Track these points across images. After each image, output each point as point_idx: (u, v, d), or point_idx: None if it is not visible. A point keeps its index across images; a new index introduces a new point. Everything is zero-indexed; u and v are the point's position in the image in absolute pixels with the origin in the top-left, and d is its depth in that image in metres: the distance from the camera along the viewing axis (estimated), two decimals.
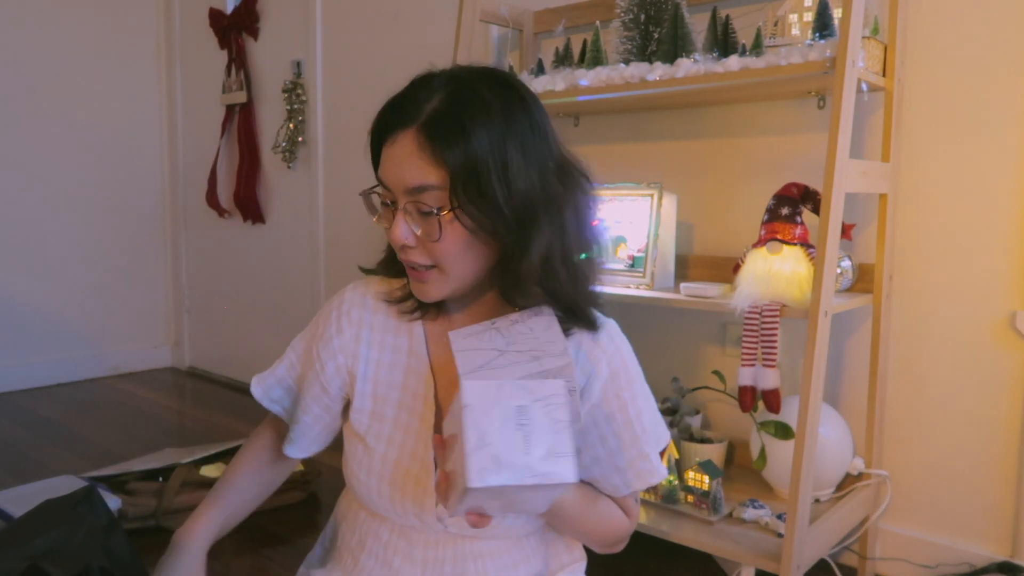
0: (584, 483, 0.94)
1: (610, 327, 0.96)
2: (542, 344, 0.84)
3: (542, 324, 0.86)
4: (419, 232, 0.86)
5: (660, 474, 0.96)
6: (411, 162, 0.84)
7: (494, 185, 0.83)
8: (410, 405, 0.95)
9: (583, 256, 0.91)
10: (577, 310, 0.91)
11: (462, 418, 0.72)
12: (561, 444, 0.72)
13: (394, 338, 0.98)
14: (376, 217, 0.92)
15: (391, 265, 0.99)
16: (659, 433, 0.98)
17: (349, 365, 0.99)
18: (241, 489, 1.06)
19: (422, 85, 0.87)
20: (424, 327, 0.98)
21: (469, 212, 0.84)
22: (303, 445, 1.05)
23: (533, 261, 0.85)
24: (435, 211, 0.84)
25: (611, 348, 0.94)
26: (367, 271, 1.03)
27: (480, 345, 0.83)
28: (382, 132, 0.88)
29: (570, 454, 0.71)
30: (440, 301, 0.94)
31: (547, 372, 0.81)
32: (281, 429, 1.09)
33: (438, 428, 0.93)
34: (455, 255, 0.87)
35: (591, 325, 0.93)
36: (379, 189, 0.90)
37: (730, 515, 1.66)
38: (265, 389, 1.07)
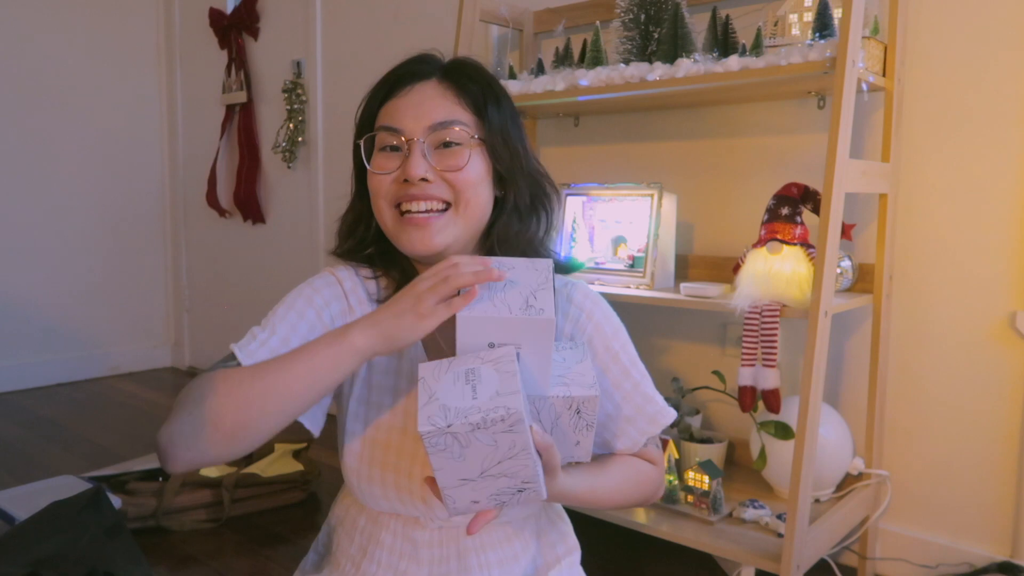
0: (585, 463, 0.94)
1: (582, 285, 0.99)
2: (572, 367, 0.86)
3: (575, 356, 0.87)
4: (438, 166, 0.89)
5: (670, 413, 0.98)
6: (436, 101, 0.90)
7: (510, 131, 0.92)
8: (407, 389, 0.95)
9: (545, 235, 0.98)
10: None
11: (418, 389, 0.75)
12: (508, 386, 0.73)
13: None
14: (370, 164, 0.92)
15: (359, 251, 0.98)
16: (649, 377, 1.00)
17: None
18: None
19: (426, 53, 0.94)
20: None
21: (493, 146, 0.91)
22: (315, 417, 0.95)
23: (519, 210, 0.93)
24: (464, 141, 0.89)
25: (588, 303, 0.96)
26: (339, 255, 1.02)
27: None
28: (392, 88, 0.92)
29: (518, 392, 0.72)
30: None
31: (571, 399, 0.82)
32: None
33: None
34: (475, 186, 0.90)
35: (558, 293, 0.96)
36: (383, 134, 0.91)
37: (730, 515, 1.66)
38: (252, 357, 0.95)
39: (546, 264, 0.84)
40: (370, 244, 0.98)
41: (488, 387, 0.74)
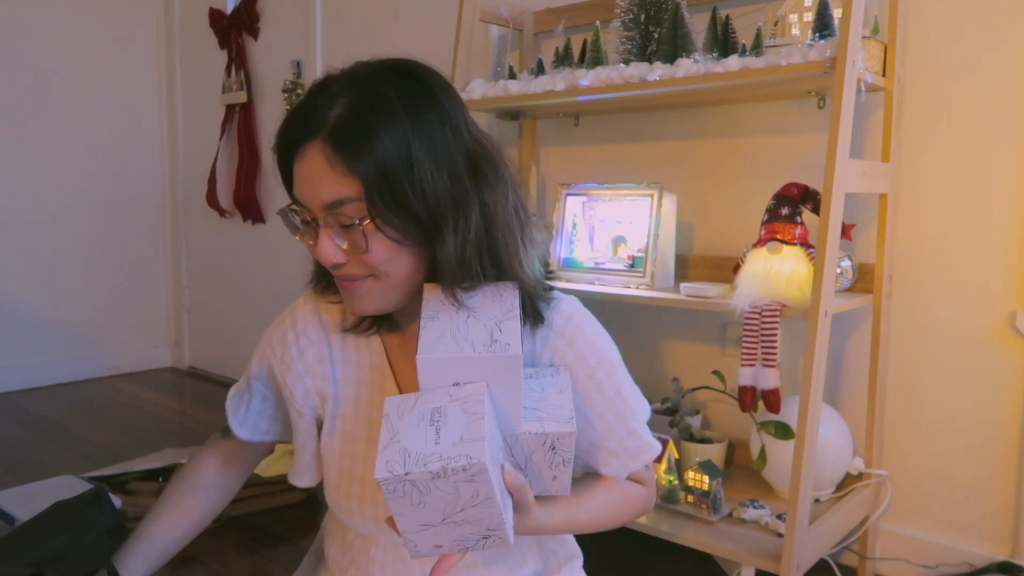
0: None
1: (565, 307, 0.90)
2: (550, 398, 0.82)
3: (555, 386, 0.83)
4: (345, 246, 0.81)
5: (654, 448, 0.93)
6: (323, 177, 0.79)
7: (406, 191, 0.78)
8: (380, 422, 0.89)
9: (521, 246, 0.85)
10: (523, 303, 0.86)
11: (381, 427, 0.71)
12: (473, 432, 0.69)
13: (355, 354, 0.94)
14: (298, 235, 0.86)
15: (321, 279, 0.94)
16: (643, 407, 0.94)
17: (318, 387, 0.94)
18: (174, 526, 1.00)
19: (322, 91, 0.81)
20: (382, 339, 0.94)
21: (388, 220, 0.79)
22: (309, 476, 0.99)
23: (452, 262, 0.80)
24: (357, 222, 0.79)
25: (570, 330, 0.88)
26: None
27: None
28: (288, 148, 0.82)
29: (482, 439, 0.68)
30: (386, 315, 0.90)
31: (545, 435, 0.78)
32: (229, 452, 1.04)
33: None
34: (388, 261, 0.81)
35: (537, 316, 0.87)
36: (296, 207, 0.84)
37: (730, 515, 1.66)
38: (251, 428, 0.99)
39: (511, 290, 0.78)
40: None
41: (453, 430, 0.70)
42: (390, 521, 0.73)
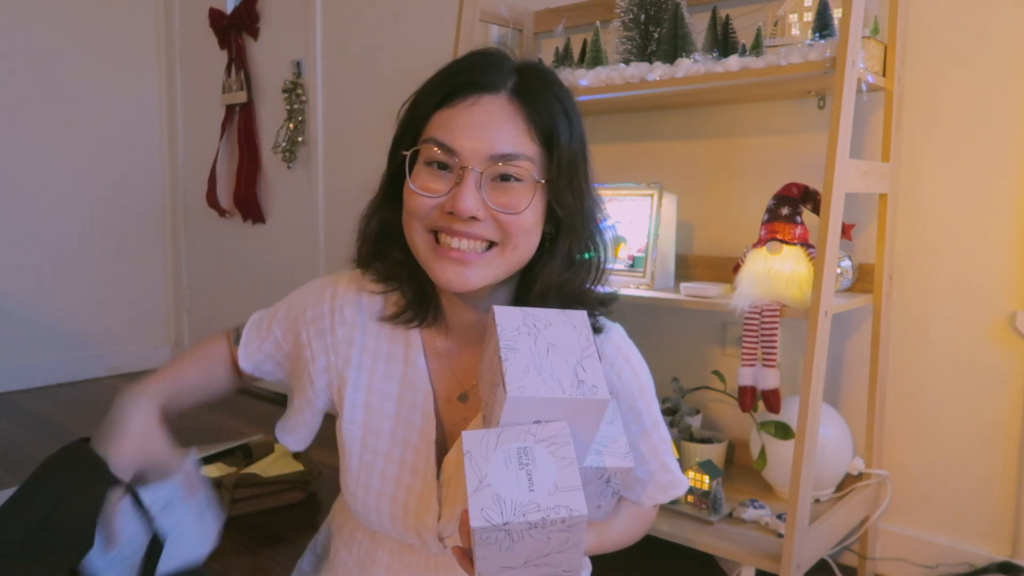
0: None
1: (615, 336, 0.90)
2: (605, 431, 0.80)
3: (607, 416, 0.82)
4: (491, 203, 0.78)
5: (683, 484, 0.92)
6: (503, 126, 0.78)
7: (579, 178, 0.81)
8: (408, 418, 0.89)
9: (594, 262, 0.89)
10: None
11: (464, 466, 0.69)
12: (567, 479, 0.68)
13: (389, 346, 0.91)
14: (415, 181, 0.80)
15: (374, 259, 0.90)
16: (671, 442, 0.95)
17: (340, 367, 0.92)
18: (191, 377, 0.99)
19: (496, 54, 0.82)
20: (421, 334, 0.91)
21: (557, 192, 0.80)
22: (298, 436, 0.99)
23: (554, 274, 0.83)
24: (529, 179, 0.78)
25: (619, 359, 0.89)
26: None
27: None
28: (451, 93, 0.79)
29: (578, 488, 0.68)
30: (438, 309, 0.88)
31: (604, 469, 0.77)
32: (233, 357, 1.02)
33: (439, 443, 0.89)
34: (528, 231, 0.80)
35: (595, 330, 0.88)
36: (434, 149, 0.79)
37: (730, 515, 1.66)
38: (255, 364, 0.99)
39: (583, 320, 0.76)
40: (393, 256, 0.89)
41: (545, 476, 0.68)
42: (458, 551, 0.72)
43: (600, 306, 0.90)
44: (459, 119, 0.78)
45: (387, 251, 0.89)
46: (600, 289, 0.90)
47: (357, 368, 0.92)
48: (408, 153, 0.81)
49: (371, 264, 0.91)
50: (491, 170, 0.78)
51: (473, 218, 0.78)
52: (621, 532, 0.90)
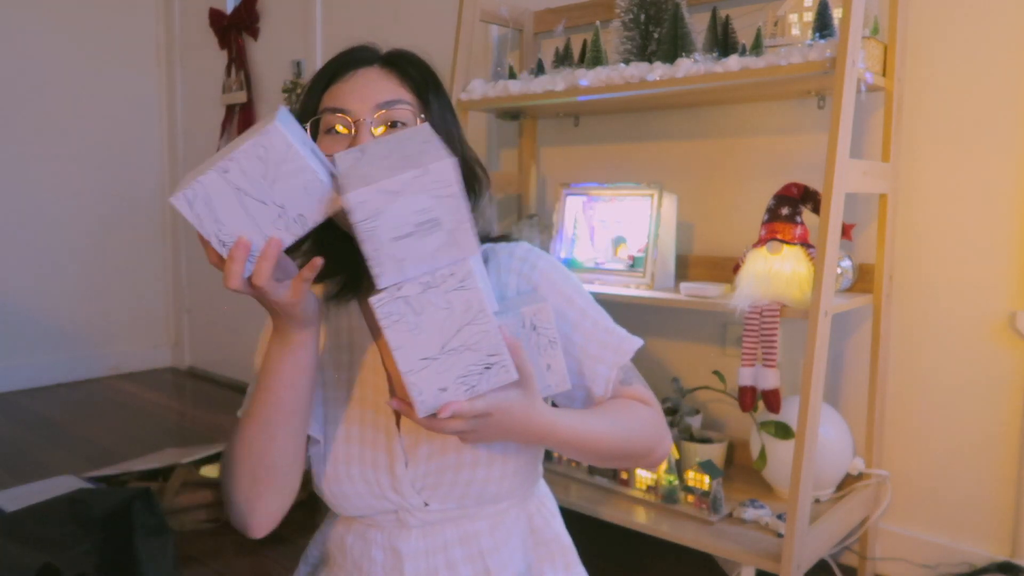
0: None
1: (522, 243, 0.98)
2: (520, 298, 0.85)
3: (525, 297, 0.87)
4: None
5: (635, 340, 0.96)
6: (380, 83, 0.90)
7: (448, 117, 0.94)
8: (361, 379, 0.93)
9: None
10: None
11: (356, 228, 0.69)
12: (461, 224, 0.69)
13: (335, 321, 0.97)
14: (320, 147, 0.88)
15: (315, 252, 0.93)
16: (606, 313, 0.98)
17: None
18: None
19: (365, 44, 0.95)
20: (359, 301, 0.96)
21: (435, 122, 0.90)
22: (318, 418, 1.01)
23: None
24: (411, 119, 0.89)
25: (532, 255, 0.95)
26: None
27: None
28: (334, 74, 0.92)
29: (466, 256, 0.70)
30: (362, 282, 0.93)
31: (522, 315, 0.79)
32: None
33: (391, 394, 0.91)
34: None
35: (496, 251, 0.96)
36: (328, 116, 0.90)
37: (730, 515, 1.66)
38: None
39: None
40: (322, 237, 0.92)
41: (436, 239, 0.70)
42: (397, 400, 0.76)
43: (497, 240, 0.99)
44: (344, 88, 0.91)
45: (317, 236, 0.92)
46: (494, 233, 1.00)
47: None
48: (308, 125, 0.91)
49: (298, 250, 0.94)
50: (379, 117, 0.89)
51: None
52: (610, 424, 0.89)
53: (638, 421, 0.92)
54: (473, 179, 0.96)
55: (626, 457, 0.93)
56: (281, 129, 0.70)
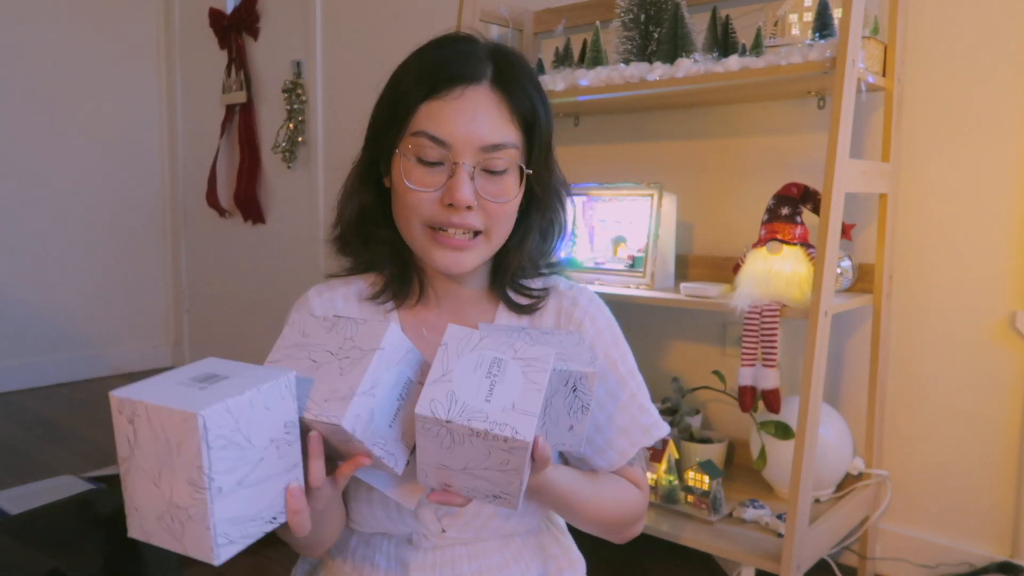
0: (577, 468, 0.92)
1: (587, 290, 0.96)
2: (569, 349, 0.80)
3: (572, 340, 0.82)
4: (482, 193, 0.83)
5: (664, 426, 0.94)
6: (489, 116, 0.82)
7: (553, 161, 0.89)
8: None
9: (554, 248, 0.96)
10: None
11: (436, 355, 0.69)
12: (528, 403, 0.66)
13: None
14: (410, 178, 0.84)
15: (358, 244, 0.94)
16: (646, 388, 0.97)
17: None
18: None
19: (469, 41, 0.86)
20: (399, 317, 0.94)
21: (539, 177, 0.87)
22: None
23: (524, 254, 0.90)
24: (514, 168, 0.84)
25: (592, 308, 0.94)
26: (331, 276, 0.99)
27: (500, 335, 0.78)
28: (436, 87, 0.83)
29: (535, 415, 0.66)
30: (419, 291, 0.93)
31: (569, 373, 0.76)
32: None
33: None
34: (511, 216, 0.87)
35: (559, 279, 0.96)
36: (426, 141, 0.82)
37: (730, 515, 1.66)
38: None
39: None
40: (378, 236, 0.92)
41: (508, 392, 0.67)
42: (438, 495, 0.74)
43: (553, 267, 0.98)
44: (447, 112, 0.82)
45: (370, 232, 0.92)
46: (562, 259, 1.00)
47: None
48: (399, 150, 0.85)
49: (350, 244, 0.94)
50: (481, 162, 0.83)
51: (468, 208, 0.83)
52: (601, 494, 0.90)
53: (627, 504, 0.93)
54: (561, 211, 0.93)
55: (600, 528, 0.93)
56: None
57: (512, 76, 0.84)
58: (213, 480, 0.61)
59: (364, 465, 0.72)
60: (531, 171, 0.86)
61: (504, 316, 0.94)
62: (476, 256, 0.87)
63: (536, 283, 0.95)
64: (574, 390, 0.76)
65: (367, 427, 0.69)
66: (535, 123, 0.86)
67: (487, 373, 0.68)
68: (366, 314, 0.94)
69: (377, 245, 0.92)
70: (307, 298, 0.96)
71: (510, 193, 0.85)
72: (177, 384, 0.64)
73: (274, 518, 0.68)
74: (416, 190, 0.83)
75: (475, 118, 0.82)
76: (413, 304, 0.94)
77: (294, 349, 0.73)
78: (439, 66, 0.84)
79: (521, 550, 0.94)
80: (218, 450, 0.61)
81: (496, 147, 0.82)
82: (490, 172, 0.83)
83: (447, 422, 0.65)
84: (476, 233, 0.85)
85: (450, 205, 0.83)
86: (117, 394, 0.63)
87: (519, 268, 0.91)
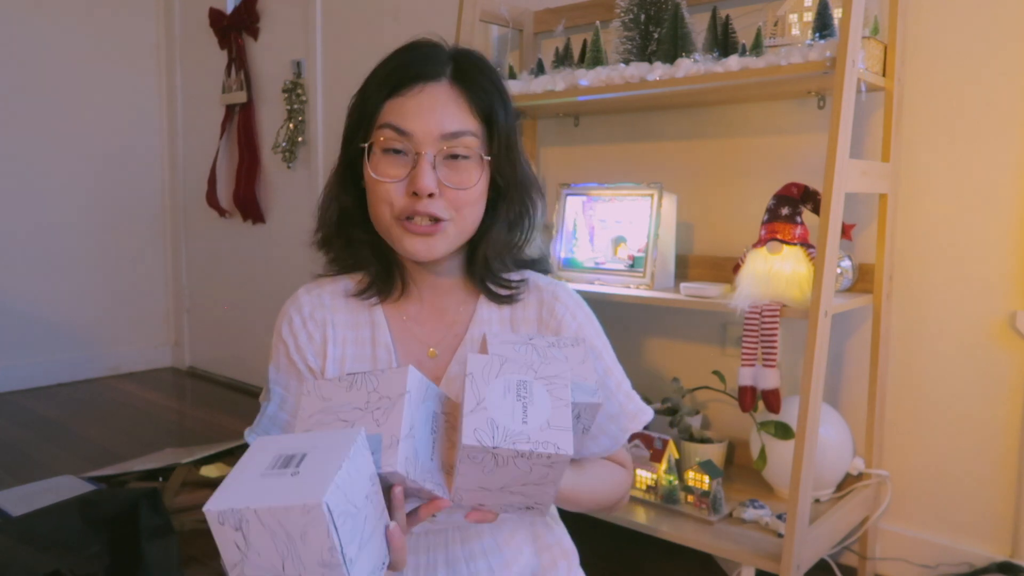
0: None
1: (565, 284, 1.01)
2: (575, 366, 0.83)
3: (577, 356, 0.85)
4: (445, 181, 0.87)
5: (648, 412, 0.99)
6: (448, 108, 0.87)
7: (515, 144, 0.91)
8: None
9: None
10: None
11: (464, 385, 0.73)
12: (560, 419, 0.72)
13: (355, 332, 0.96)
14: (376, 169, 0.89)
15: (340, 245, 0.98)
16: (627, 378, 1.01)
17: (321, 367, 0.96)
18: None
19: (432, 45, 0.91)
20: (384, 312, 0.97)
21: (500, 165, 0.90)
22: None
23: (498, 243, 0.93)
24: (475, 155, 0.88)
25: (572, 301, 0.97)
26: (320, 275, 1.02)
27: (515, 355, 0.82)
28: (399, 86, 0.88)
29: (569, 428, 0.71)
30: (401, 286, 0.96)
31: (576, 406, 0.79)
32: None
33: None
34: (475, 203, 0.90)
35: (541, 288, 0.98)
36: (389, 133, 0.87)
37: (730, 515, 1.66)
38: (260, 435, 0.97)
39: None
40: (357, 237, 0.96)
41: (540, 412, 0.72)
42: (475, 514, 0.77)
43: (534, 264, 1.01)
44: (409, 106, 0.87)
45: (349, 233, 0.97)
46: (539, 256, 1.02)
47: (332, 361, 0.96)
48: (366, 145, 0.90)
49: (332, 245, 0.98)
50: (442, 150, 0.87)
51: (431, 195, 0.87)
52: (595, 484, 0.93)
53: (620, 487, 0.98)
54: (529, 205, 0.96)
55: (591, 509, 0.97)
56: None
57: (472, 75, 0.89)
58: (345, 554, 0.64)
59: (443, 508, 0.75)
60: (490, 158, 0.90)
61: (485, 307, 0.97)
62: (444, 242, 0.90)
63: (514, 276, 0.98)
64: (578, 417, 0.80)
65: (415, 466, 0.72)
66: (493, 116, 0.90)
67: (517, 396, 0.73)
68: (351, 309, 0.97)
69: (359, 245, 0.96)
70: (297, 296, 0.99)
71: (471, 180, 0.88)
72: (263, 478, 0.66)
73: (383, 563, 0.71)
74: (383, 181, 0.88)
75: (434, 110, 0.87)
76: (397, 298, 0.97)
77: (321, 415, 0.75)
78: (402, 67, 0.90)
79: (513, 533, 0.97)
80: (342, 526, 0.64)
81: (455, 135, 0.87)
82: (452, 158, 0.87)
83: (493, 448, 0.69)
84: (440, 220, 0.89)
85: (414, 194, 0.87)
86: (214, 507, 0.65)
87: (494, 259, 0.95)
